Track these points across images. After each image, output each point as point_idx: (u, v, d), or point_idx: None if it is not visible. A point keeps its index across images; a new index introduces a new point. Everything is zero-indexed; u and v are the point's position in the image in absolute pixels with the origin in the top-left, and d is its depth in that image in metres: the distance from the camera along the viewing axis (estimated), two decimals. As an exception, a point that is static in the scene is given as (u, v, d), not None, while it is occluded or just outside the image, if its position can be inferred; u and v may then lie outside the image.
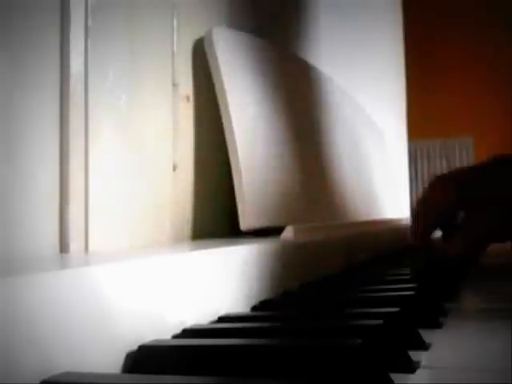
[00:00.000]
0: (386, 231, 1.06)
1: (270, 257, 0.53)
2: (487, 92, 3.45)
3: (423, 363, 0.31)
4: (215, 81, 0.67)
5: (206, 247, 0.46)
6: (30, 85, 0.43)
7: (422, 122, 3.28)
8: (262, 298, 0.49)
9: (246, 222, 0.63)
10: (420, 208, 0.68)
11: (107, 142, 0.50)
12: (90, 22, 0.48)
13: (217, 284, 0.43)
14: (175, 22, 0.63)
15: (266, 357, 0.29)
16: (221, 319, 0.41)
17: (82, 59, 0.47)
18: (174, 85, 0.62)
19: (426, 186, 0.68)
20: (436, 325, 0.40)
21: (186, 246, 0.56)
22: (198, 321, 0.39)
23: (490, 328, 0.41)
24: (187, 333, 0.36)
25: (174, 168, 0.61)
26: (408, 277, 0.63)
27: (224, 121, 0.66)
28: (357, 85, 1.41)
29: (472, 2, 3.45)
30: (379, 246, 0.96)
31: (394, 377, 0.27)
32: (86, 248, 0.47)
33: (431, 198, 0.67)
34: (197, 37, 0.68)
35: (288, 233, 0.63)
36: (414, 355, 0.31)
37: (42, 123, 0.44)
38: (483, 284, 0.65)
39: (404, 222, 1.26)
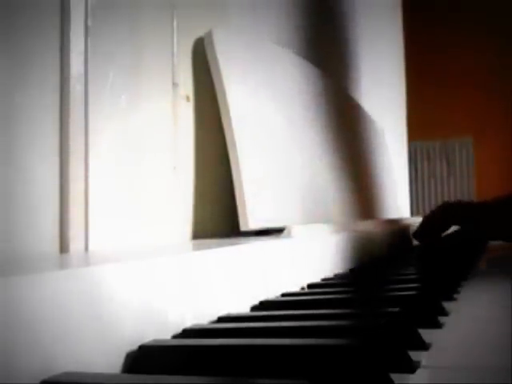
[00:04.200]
0: (387, 231, 1.06)
1: (270, 257, 0.53)
2: (487, 92, 3.45)
3: (423, 363, 0.31)
4: (215, 81, 0.67)
5: (206, 247, 0.46)
6: (30, 85, 0.43)
7: (422, 122, 3.28)
8: (263, 298, 0.49)
9: (245, 222, 0.63)
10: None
11: (107, 142, 0.50)
12: (89, 22, 0.48)
13: (217, 284, 0.43)
14: (175, 22, 0.63)
15: (266, 357, 0.28)
16: (221, 319, 0.41)
17: (81, 59, 0.47)
18: (174, 85, 0.62)
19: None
20: (436, 325, 0.40)
21: (186, 245, 0.56)
22: (198, 321, 0.39)
23: (490, 328, 0.41)
24: (187, 333, 0.36)
25: (174, 168, 0.61)
26: (408, 277, 0.63)
27: (224, 121, 0.66)
28: (357, 85, 1.41)
29: (472, 4, 3.45)
30: (380, 246, 0.96)
31: (394, 377, 0.27)
32: (86, 248, 0.47)
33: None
34: (197, 37, 0.68)
35: (288, 233, 0.63)
36: (414, 355, 0.31)
37: (42, 123, 0.44)
38: (483, 283, 0.65)
39: (405, 222, 1.26)
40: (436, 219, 0.97)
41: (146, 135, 0.57)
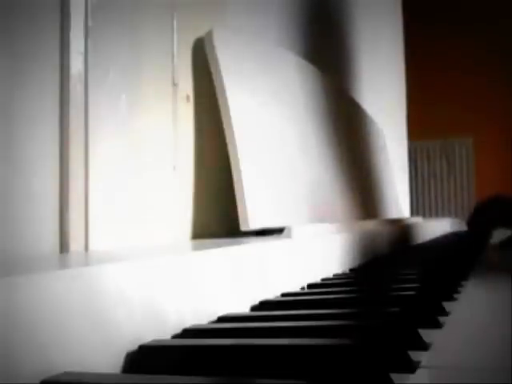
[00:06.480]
0: (388, 231, 1.06)
1: (270, 257, 0.53)
2: (487, 92, 3.45)
3: (423, 363, 0.31)
4: (215, 81, 0.67)
5: (206, 247, 0.46)
6: (29, 85, 0.43)
7: (422, 122, 3.28)
8: (263, 298, 0.49)
9: (245, 222, 0.63)
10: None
11: (107, 142, 0.50)
12: (90, 22, 0.48)
13: (217, 284, 0.43)
14: (175, 22, 0.63)
15: (266, 357, 0.29)
16: (220, 319, 0.41)
17: (81, 59, 0.47)
18: (174, 85, 0.62)
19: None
20: (436, 325, 0.40)
21: (186, 245, 0.56)
22: (198, 321, 0.39)
23: (490, 328, 0.41)
24: (187, 333, 0.36)
25: (174, 168, 0.61)
26: (408, 277, 0.63)
27: (224, 121, 0.66)
28: (358, 86, 1.41)
29: (472, 4, 3.45)
30: (382, 246, 0.96)
31: (394, 377, 0.27)
32: (86, 248, 0.47)
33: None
34: (197, 37, 0.68)
35: (288, 233, 0.63)
36: (414, 355, 0.31)
37: (42, 123, 0.44)
38: (484, 282, 0.65)
39: (405, 222, 1.26)
40: (487, 210, 0.98)
41: (145, 135, 0.57)
